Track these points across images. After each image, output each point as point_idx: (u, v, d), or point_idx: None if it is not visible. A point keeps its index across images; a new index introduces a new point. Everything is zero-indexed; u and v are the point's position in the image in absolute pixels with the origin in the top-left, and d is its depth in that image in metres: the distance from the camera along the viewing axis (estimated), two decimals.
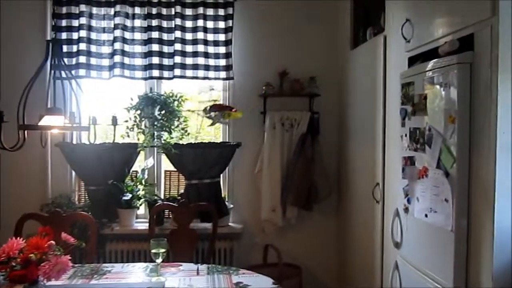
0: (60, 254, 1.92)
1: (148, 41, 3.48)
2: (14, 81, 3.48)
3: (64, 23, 3.46)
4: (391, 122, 2.69)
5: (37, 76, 2.09)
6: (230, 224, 3.68)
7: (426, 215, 2.04)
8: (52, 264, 1.90)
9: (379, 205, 2.85)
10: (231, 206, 3.69)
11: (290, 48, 3.75)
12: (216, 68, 3.56)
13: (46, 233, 2.03)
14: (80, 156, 3.48)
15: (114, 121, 2.06)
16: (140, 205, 3.62)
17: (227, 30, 3.56)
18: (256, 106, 3.69)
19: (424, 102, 2.08)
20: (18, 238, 2.15)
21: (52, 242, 1.95)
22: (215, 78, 3.58)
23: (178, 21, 3.48)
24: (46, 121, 1.99)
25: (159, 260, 2.36)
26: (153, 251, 2.35)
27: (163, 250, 2.35)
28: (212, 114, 3.36)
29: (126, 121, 3.39)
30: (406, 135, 2.27)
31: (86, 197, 3.62)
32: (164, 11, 3.50)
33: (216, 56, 3.55)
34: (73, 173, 3.63)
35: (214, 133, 3.98)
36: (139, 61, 3.50)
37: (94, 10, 3.47)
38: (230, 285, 2.31)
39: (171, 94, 3.52)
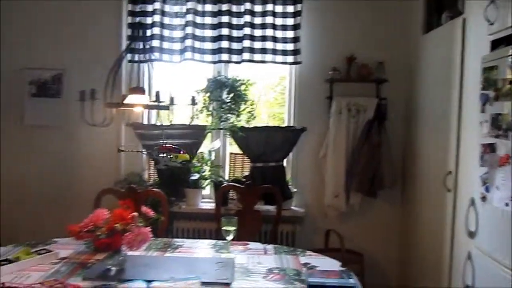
0: (143, 226, 2.04)
1: (218, 25, 3.55)
2: (92, 63, 3.70)
3: (138, 8, 3.59)
4: (468, 108, 2.59)
5: (123, 58, 2.20)
6: (292, 207, 3.71)
7: (507, 204, 1.97)
8: (135, 234, 2.02)
9: (451, 193, 2.77)
10: (295, 190, 3.72)
11: (358, 32, 3.70)
12: (284, 53, 3.57)
13: (127, 206, 2.16)
14: (150, 136, 3.63)
15: (193, 101, 2.14)
16: (206, 185, 3.73)
17: (295, 14, 3.55)
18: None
19: (509, 87, 1.99)
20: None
21: (135, 213, 2.07)
22: (282, 63, 3.60)
23: (247, 5, 3.52)
24: (130, 99, 2.09)
25: (229, 237, 2.44)
26: (224, 228, 2.43)
27: (233, 228, 2.42)
28: (160, 155, 3.37)
29: (196, 103, 3.49)
30: (486, 121, 2.19)
31: (155, 176, 3.78)
32: None
33: (284, 40, 3.56)
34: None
35: (274, 118, 4.02)
36: (209, 45, 3.58)
37: None
38: (298, 265, 2.34)
39: (238, 78, 3.58)
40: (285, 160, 3.73)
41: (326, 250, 3.57)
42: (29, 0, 3.73)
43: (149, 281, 2.00)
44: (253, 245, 2.69)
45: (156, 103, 2.08)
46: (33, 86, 3.74)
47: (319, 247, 3.59)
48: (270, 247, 2.67)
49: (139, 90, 2.12)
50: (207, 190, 3.83)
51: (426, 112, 3.30)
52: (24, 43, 3.76)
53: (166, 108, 2.09)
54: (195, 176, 3.60)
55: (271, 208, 3.59)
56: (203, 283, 2.00)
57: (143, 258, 2.33)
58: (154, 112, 3.63)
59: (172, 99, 2.23)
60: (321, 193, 3.70)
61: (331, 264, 2.41)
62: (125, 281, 2.01)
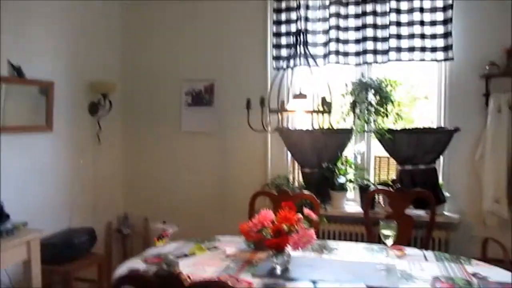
0: (308, 228, 2.10)
1: (363, 27, 3.51)
2: (240, 72, 3.95)
3: (283, 17, 3.72)
4: None
5: (289, 66, 2.30)
6: (446, 213, 3.50)
7: None
8: (300, 235, 2.09)
9: None
10: (447, 194, 3.51)
11: None
12: (434, 49, 3.39)
13: (290, 208, 2.25)
14: (296, 141, 3.74)
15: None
16: (353, 188, 3.70)
17: (446, 8, 3.35)
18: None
19: None
20: (253, 212, 2.43)
21: (300, 215, 2.14)
22: (432, 60, 3.42)
23: (393, 4, 3.43)
24: (293, 105, 2.18)
25: (389, 242, 2.39)
26: (383, 232, 2.39)
27: (393, 233, 2.37)
28: None
29: (341, 106, 3.50)
30: None
31: (301, 179, 3.86)
32: None
33: (434, 36, 3.38)
34: (289, 156, 3.92)
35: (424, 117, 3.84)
36: (353, 47, 3.56)
37: (310, 2, 3.64)
38: (467, 275, 2.21)
39: (384, 79, 3.50)
40: (436, 163, 3.54)
41: (484, 260, 3.28)
42: (187, 24, 4.12)
43: (315, 282, 2.06)
44: (410, 250, 2.61)
45: (319, 109, 2.13)
46: (188, 96, 4.10)
47: (476, 257, 3.34)
48: (430, 253, 2.56)
49: (302, 96, 2.19)
50: (351, 193, 3.80)
51: None
52: (182, 57, 4.13)
53: (328, 112, 2.14)
54: (342, 179, 3.61)
55: (422, 213, 3.45)
56: None
57: (306, 259, 2.40)
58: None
59: (329, 104, 2.26)
60: (478, 198, 3.43)
61: (504, 275, 2.22)
62: (292, 280, 2.10)
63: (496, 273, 2.24)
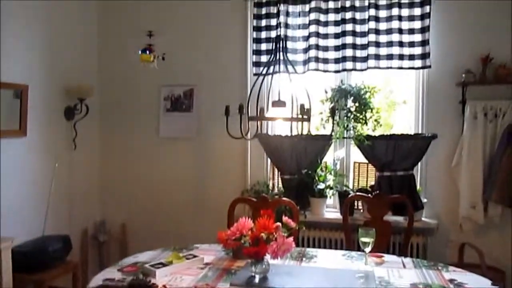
0: (288, 236, 2.09)
1: (342, 34, 3.53)
2: (220, 78, 3.93)
3: (263, 23, 3.72)
4: None
5: (267, 73, 2.28)
6: (423, 219, 3.54)
7: None
8: (279, 244, 2.07)
9: None
10: (425, 200, 3.55)
11: (494, 30, 3.40)
12: (411, 57, 3.44)
13: (269, 215, 2.23)
14: (276, 147, 3.73)
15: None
16: (331, 195, 3.71)
17: (423, 16, 3.40)
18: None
19: None
20: (232, 219, 2.40)
21: (279, 223, 2.13)
22: (410, 68, 3.46)
23: (372, 12, 3.46)
24: (272, 112, 2.17)
25: (367, 249, 2.40)
26: (362, 239, 2.40)
27: (371, 240, 2.38)
28: None
29: (321, 113, 3.51)
30: None
31: (280, 185, 3.85)
32: (357, 3, 3.50)
33: (411, 44, 3.43)
34: (269, 162, 3.90)
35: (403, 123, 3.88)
36: (332, 54, 3.57)
37: (291, 8, 3.64)
38: (444, 281, 2.22)
39: (363, 86, 3.52)
40: (414, 169, 3.57)
41: (460, 265, 3.33)
42: (167, 28, 4.02)
43: None
44: (388, 257, 2.62)
45: (298, 116, 2.12)
46: (167, 101, 4.06)
47: (453, 262, 3.38)
48: (408, 260, 2.57)
49: (281, 103, 2.18)
50: (331, 200, 3.81)
51: None
52: (161, 62, 4.06)
53: (308, 120, 2.13)
54: (321, 186, 3.61)
55: (400, 219, 3.47)
56: None
57: (285, 267, 2.39)
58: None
59: (308, 111, 2.26)
60: (455, 204, 3.48)
61: (480, 281, 2.25)
62: None
63: (472, 279, 2.27)
